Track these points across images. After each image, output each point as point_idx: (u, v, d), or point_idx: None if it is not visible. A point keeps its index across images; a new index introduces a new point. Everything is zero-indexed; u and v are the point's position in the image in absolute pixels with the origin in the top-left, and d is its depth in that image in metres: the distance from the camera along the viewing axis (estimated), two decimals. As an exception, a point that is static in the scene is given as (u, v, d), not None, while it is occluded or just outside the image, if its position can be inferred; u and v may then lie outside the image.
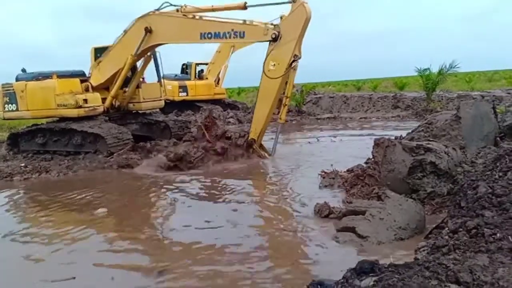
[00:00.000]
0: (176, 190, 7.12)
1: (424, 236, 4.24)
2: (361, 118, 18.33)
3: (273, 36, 8.75)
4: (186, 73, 22.88)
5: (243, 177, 7.85)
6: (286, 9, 9.09)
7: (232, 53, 20.53)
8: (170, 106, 22.32)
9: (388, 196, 4.82)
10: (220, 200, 6.41)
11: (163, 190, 7.30)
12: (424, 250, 3.59)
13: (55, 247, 4.72)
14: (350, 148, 10.20)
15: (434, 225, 4.26)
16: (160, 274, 3.86)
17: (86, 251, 4.57)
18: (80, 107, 10.46)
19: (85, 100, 10.49)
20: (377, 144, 5.73)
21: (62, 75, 10.82)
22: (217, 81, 21.86)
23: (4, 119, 11.91)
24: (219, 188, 7.25)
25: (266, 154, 9.57)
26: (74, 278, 3.89)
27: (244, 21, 9.13)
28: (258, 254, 4.19)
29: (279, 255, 4.20)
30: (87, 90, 10.76)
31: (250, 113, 9.10)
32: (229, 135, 9.69)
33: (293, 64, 8.95)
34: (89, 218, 5.75)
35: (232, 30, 9.23)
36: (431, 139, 6.12)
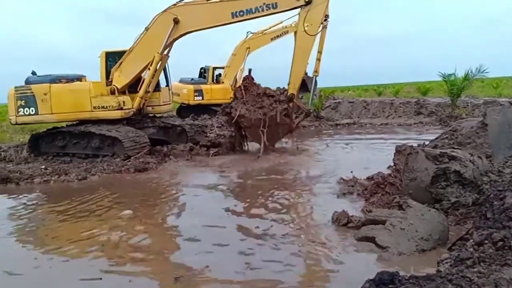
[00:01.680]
0: (197, 191, 7.13)
1: (447, 247, 4.07)
2: (382, 124, 17.99)
3: (298, 2, 9.67)
4: (204, 77, 22.96)
5: (257, 184, 7.71)
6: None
7: (247, 55, 20.50)
8: (186, 110, 22.43)
9: (410, 205, 4.63)
10: (237, 203, 6.32)
11: (180, 192, 7.29)
12: (447, 262, 3.41)
13: (84, 247, 4.75)
14: (363, 155, 10.06)
15: (458, 237, 4.08)
16: (176, 280, 3.79)
17: (113, 252, 4.60)
18: (121, 109, 10.73)
19: (124, 102, 10.79)
20: (399, 151, 5.54)
21: (71, 79, 11.00)
22: (234, 85, 21.86)
23: (16, 124, 11.29)
24: (237, 190, 7.22)
25: (305, 107, 11.08)
26: (100, 279, 3.93)
27: None
28: (274, 264, 4.06)
29: (296, 264, 4.05)
30: (112, 92, 10.77)
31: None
32: (271, 93, 10.38)
33: (325, 23, 10.38)
34: (115, 220, 5.77)
35: (264, 3, 9.69)
36: (455, 147, 5.89)
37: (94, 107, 10.72)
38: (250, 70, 12.86)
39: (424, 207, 4.69)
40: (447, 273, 2.51)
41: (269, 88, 10.65)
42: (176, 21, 10.05)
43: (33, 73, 11.28)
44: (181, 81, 22.92)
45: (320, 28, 10.17)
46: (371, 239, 4.25)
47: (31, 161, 10.87)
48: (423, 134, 13.62)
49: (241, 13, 9.78)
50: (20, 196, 7.53)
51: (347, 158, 9.82)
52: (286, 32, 21.79)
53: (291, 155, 10.40)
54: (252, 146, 11.09)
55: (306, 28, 9.81)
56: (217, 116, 19.17)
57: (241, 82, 11.06)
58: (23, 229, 5.65)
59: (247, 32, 20.39)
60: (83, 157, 10.53)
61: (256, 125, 10.11)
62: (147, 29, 10.45)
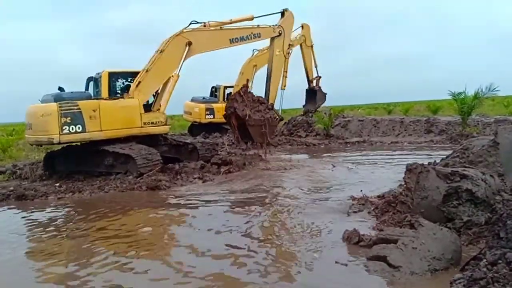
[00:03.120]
0: (207, 206, 7.21)
1: (460, 267, 4.03)
2: (391, 142, 17.95)
3: (280, 32, 13.39)
4: (215, 96, 23.25)
5: (265, 201, 7.74)
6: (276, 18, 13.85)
7: (255, 73, 20.66)
8: (198, 128, 22.68)
9: (422, 224, 4.62)
10: (249, 219, 6.33)
11: (195, 208, 7.38)
12: (460, 283, 3.41)
13: (108, 265, 4.82)
14: (372, 173, 10.12)
15: (471, 256, 4.06)
16: None
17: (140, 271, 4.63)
18: (166, 124, 11.87)
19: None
20: (410, 170, 5.56)
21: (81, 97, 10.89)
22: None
23: (59, 143, 10.42)
24: (245, 208, 7.18)
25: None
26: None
27: (258, 25, 13.05)
28: (285, 282, 4.07)
29: (306, 283, 4.06)
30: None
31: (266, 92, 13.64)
32: (263, 101, 12.83)
33: (289, 50, 14.80)
34: (136, 237, 5.85)
35: (252, 33, 12.77)
36: (467, 165, 5.88)
37: (144, 123, 11.22)
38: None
39: (436, 226, 4.69)
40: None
41: (260, 97, 13.04)
42: (189, 44, 11.39)
43: (61, 89, 10.94)
44: (192, 100, 23.25)
45: (288, 53, 14.41)
46: (383, 258, 4.25)
47: (45, 178, 11.05)
48: (434, 152, 13.58)
49: (236, 40, 12.37)
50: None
51: (357, 176, 9.81)
52: (292, 46, 21.98)
53: (295, 171, 10.71)
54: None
55: (277, 53, 13.56)
56: (227, 134, 19.34)
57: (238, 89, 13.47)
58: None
59: (253, 50, 20.55)
60: (96, 174, 10.65)
61: (258, 124, 12.26)
62: (162, 51, 11.17)
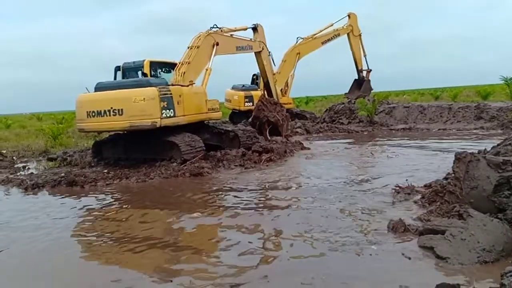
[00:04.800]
0: (247, 194, 7.21)
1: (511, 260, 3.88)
2: (439, 129, 17.34)
3: (262, 47, 15.27)
4: (256, 83, 23.30)
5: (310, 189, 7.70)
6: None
7: (298, 60, 20.45)
8: (238, 115, 22.90)
9: (471, 215, 4.46)
10: (292, 208, 6.33)
11: (242, 193, 7.46)
12: (511, 276, 3.28)
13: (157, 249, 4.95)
14: (418, 161, 9.82)
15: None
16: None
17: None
18: (219, 111, 12.66)
19: None
20: (459, 158, 5.35)
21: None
22: (285, 91, 21.94)
23: (160, 127, 10.20)
24: (289, 196, 7.16)
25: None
26: (171, 281, 3.99)
27: (251, 39, 14.87)
28: (329, 271, 4.05)
29: (353, 273, 4.02)
30: None
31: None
32: (276, 102, 15.46)
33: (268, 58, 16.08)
34: (188, 221, 5.97)
35: (248, 44, 14.44)
36: (520, 154, 5.60)
37: (209, 109, 11.95)
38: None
39: (486, 217, 4.51)
40: (512, 287, 2.41)
41: (272, 98, 15.63)
42: (216, 44, 12.46)
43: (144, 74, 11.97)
44: (233, 88, 23.46)
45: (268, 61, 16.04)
46: (430, 249, 4.15)
47: (94, 165, 11.55)
48: (484, 140, 13.00)
49: (240, 48, 14.00)
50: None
51: (401, 164, 9.58)
52: (338, 35, 21.59)
53: (336, 159, 10.75)
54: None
55: (265, 63, 15.72)
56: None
57: (259, 100, 15.17)
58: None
59: (297, 38, 20.33)
60: (142, 161, 10.98)
61: (279, 123, 14.55)
62: (198, 47, 11.92)
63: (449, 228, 4.31)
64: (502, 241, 4.17)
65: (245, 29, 14.49)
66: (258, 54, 15.22)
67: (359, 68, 23.12)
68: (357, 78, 23.62)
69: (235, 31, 13.85)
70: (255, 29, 15.05)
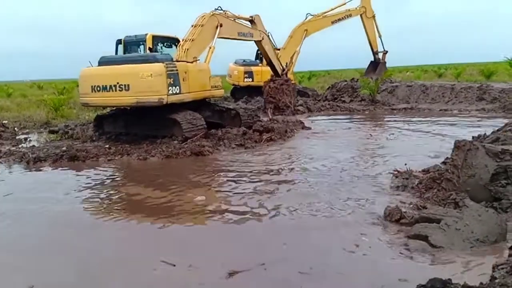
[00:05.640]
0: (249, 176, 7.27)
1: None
2: (441, 110, 17.29)
3: (263, 37, 15.30)
4: (261, 59, 23.09)
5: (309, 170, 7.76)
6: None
7: (304, 37, 20.15)
8: (239, 91, 22.81)
9: (467, 205, 4.54)
10: (285, 191, 6.42)
11: (239, 174, 7.47)
12: (503, 269, 3.35)
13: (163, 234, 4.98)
14: (418, 143, 9.87)
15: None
16: (230, 276, 3.84)
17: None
18: (221, 88, 12.62)
19: None
20: (458, 146, 5.39)
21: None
22: (288, 68, 21.76)
23: (167, 103, 10.04)
24: (283, 173, 7.24)
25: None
26: (174, 265, 4.05)
27: (251, 27, 14.88)
28: (324, 260, 4.14)
29: (346, 262, 4.11)
30: None
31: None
32: (280, 81, 17.05)
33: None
34: (190, 206, 5.89)
35: (249, 32, 14.46)
36: (520, 142, 5.64)
37: (212, 86, 11.86)
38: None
39: (482, 207, 4.58)
40: (501, 284, 2.49)
41: (278, 77, 17.08)
42: (220, 26, 12.41)
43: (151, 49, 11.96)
44: (235, 63, 23.25)
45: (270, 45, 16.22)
46: (424, 238, 4.23)
47: (95, 139, 11.60)
48: (484, 121, 13.00)
49: (241, 34, 13.92)
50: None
51: (401, 146, 9.63)
52: (349, 16, 21.12)
53: (335, 139, 11.00)
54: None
55: (266, 48, 15.89)
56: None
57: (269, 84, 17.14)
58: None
59: (307, 14, 19.89)
60: (143, 137, 10.99)
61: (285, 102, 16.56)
62: (202, 25, 11.98)
63: (445, 217, 4.39)
64: (496, 232, 4.25)
65: (247, 19, 14.86)
66: (258, 42, 15.42)
67: (375, 50, 22.83)
68: (373, 60, 23.40)
69: (238, 18, 14.11)
70: (252, 21, 15.13)
